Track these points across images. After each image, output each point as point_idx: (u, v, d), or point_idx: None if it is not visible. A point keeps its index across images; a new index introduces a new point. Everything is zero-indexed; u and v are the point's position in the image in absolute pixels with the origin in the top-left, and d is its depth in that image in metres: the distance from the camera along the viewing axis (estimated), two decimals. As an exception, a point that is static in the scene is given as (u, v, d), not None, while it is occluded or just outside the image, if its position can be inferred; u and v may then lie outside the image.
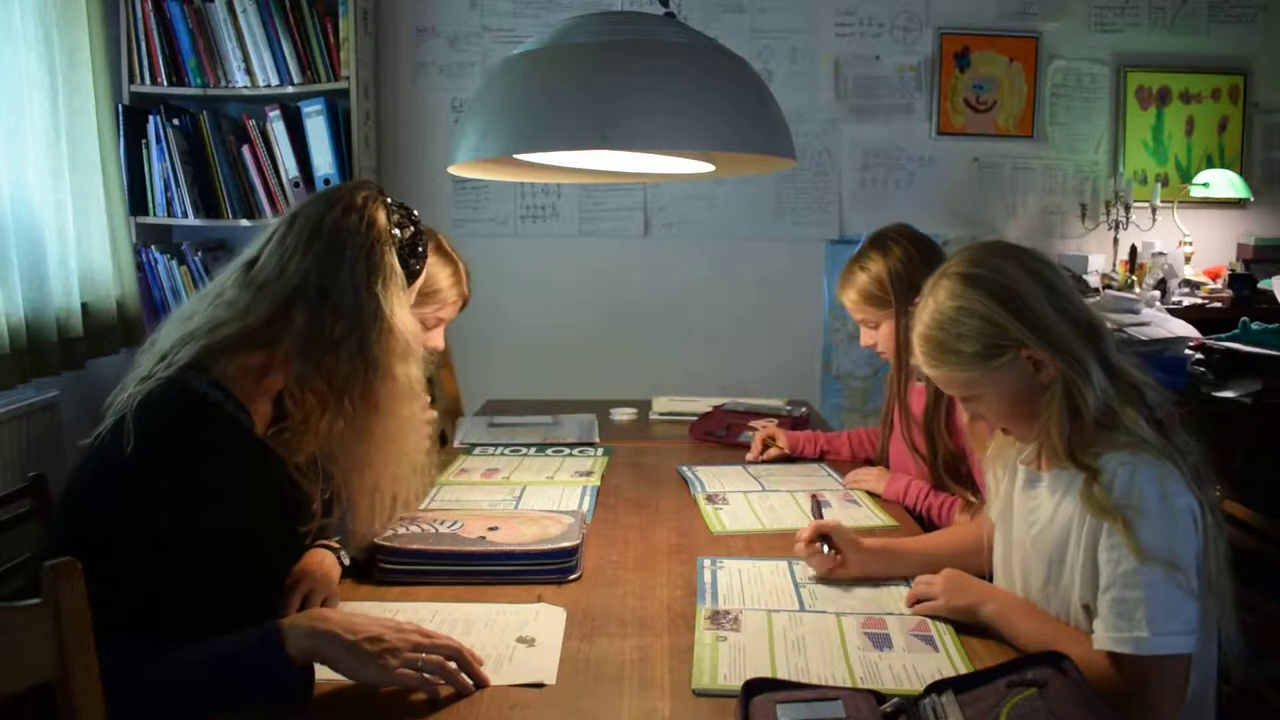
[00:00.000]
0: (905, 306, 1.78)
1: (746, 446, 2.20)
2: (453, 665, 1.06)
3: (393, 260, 1.23)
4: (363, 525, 1.28)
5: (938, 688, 1.01)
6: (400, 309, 1.23)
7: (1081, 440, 1.19)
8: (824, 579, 1.41)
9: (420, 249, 1.31)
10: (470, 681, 1.06)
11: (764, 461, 2.12)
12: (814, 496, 1.76)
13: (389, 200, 1.28)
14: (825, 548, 1.41)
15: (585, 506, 1.73)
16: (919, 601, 1.29)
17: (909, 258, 1.83)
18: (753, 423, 2.31)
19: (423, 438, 1.31)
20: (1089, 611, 1.18)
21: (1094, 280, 3.46)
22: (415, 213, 1.33)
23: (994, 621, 1.23)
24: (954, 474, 1.77)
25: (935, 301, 1.25)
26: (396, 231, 1.26)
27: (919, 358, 1.28)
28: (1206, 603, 1.16)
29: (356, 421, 1.20)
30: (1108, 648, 1.12)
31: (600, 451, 2.18)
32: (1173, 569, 1.10)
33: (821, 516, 1.61)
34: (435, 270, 1.84)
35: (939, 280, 1.27)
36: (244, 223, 3.20)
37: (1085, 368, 1.18)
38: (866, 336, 1.94)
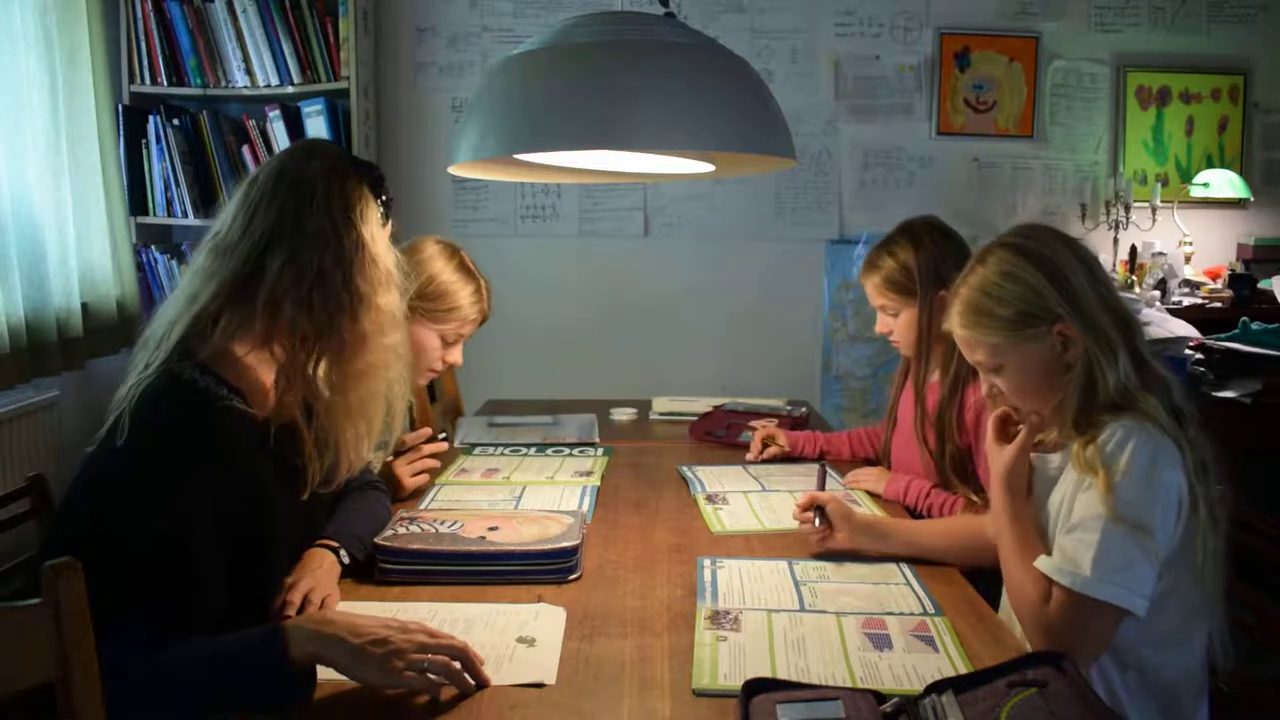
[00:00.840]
0: (930, 299, 1.79)
1: (746, 446, 2.20)
2: (457, 665, 1.05)
3: (364, 189, 1.23)
4: (350, 460, 1.27)
5: (938, 688, 1.01)
6: (380, 236, 1.24)
7: (1089, 417, 1.21)
8: (820, 555, 1.49)
9: (386, 187, 1.30)
10: (473, 682, 1.06)
11: (764, 461, 2.12)
12: (822, 466, 1.74)
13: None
14: (817, 520, 1.48)
15: (585, 506, 1.73)
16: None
17: (940, 251, 1.83)
18: (753, 423, 2.31)
19: (404, 366, 1.30)
20: None
21: (1094, 280, 3.46)
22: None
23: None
24: (960, 472, 1.77)
25: (983, 267, 1.30)
26: (361, 167, 1.26)
27: (954, 320, 1.32)
28: (1191, 592, 1.18)
29: (344, 356, 1.20)
30: (1047, 572, 1.16)
31: (600, 451, 2.18)
32: (1138, 532, 1.13)
33: (824, 487, 1.63)
34: (457, 287, 1.87)
35: (990, 249, 1.31)
36: (244, 223, 3.19)
37: (1114, 350, 1.22)
38: (883, 324, 1.93)
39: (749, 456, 2.14)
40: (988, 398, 1.38)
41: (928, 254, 1.83)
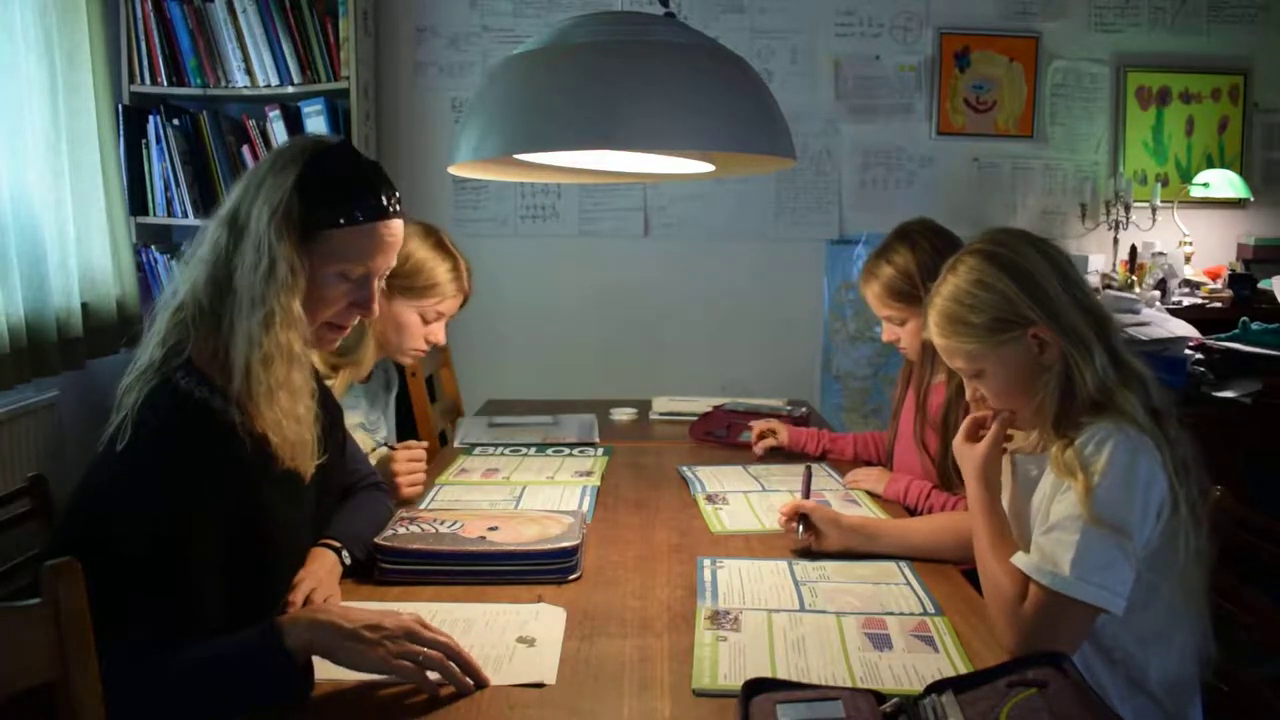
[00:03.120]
0: None
1: (747, 446, 2.20)
2: (453, 665, 1.06)
3: (288, 186, 1.16)
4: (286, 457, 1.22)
5: (938, 688, 1.01)
6: (286, 237, 1.15)
7: (1070, 418, 1.22)
8: (805, 553, 1.50)
9: (334, 198, 1.19)
10: (470, 681, 1.06)
11: (764, 460, 2.12)
12: (807, 469, 1.69)
13: (343, 148, 1.24)
14: (800, 529, 1.50)
15: (585, 506, 1.74)
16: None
17: (938, 252, 1.79)
18: (752, 422, 2.31)
19: (306, 371, 1.23)
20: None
21: (1094, 280, 3.46)
22: (364, 164, 1.24)
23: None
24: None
25: (955, 276, 1.31)
26: (311, 167, 1.18)
27: (931, 329, 1.33)
28: (1174, 591, 1.19)
29: (251, 353, 1.14)
30: (1025, 570, 1.17)
31: (600, 451, 2.18)
32: (1118, 534, 1.13)
33: (809, 492, 1.64)
34: (434, 265, 1.86)
35: (961, 257, 1.32)
36: (244, 223, 3.19)
37: (1089, 349, 1.22)
38: (889, 333, 1.91)
39: (756, 450, 2.15)
40: (971, 402, 1.39)
41: (926, 256, 1.80)
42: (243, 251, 1.15)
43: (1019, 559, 1.19)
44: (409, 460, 1.77)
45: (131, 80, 3.16)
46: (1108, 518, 1.13)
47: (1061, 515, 1.17)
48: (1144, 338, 2.70)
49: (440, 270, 1.87)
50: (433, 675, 1.05)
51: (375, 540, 1.40)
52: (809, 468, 1.70)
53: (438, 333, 1.94)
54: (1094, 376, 1.21)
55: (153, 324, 1.18)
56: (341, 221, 1.20)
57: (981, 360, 1.29)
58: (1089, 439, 1.18)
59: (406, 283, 1.84)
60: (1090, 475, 1.15)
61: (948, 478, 1.78)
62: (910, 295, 1.82)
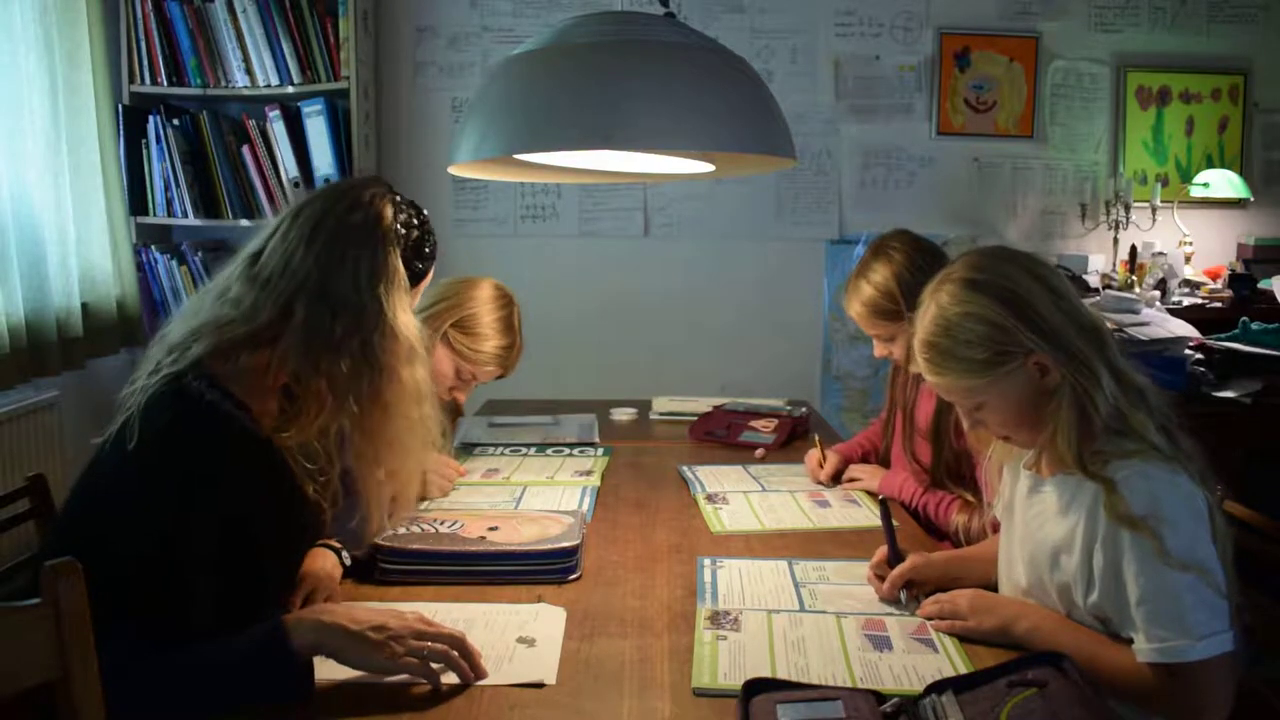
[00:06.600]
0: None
1: (747, 446, 2.19)
2: (456, 655, 1.07)
3: (396, 262, 1.21)
4: (371, 523, 1.27)
5: (938, 688, 1.01)
6: (403, 312, 1.21)
7: (1090, 447, 1.17)
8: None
9: (427, 249, 1.29)
10: (472, 674, 1.07)
11: (763, 461, 2.12)
12: (883, 504, 1.49)
13: (398, 198, 1.26)
14: (903, 596, 1.32)
15: (585, 506, 1.74)
16: (938, 619, 1.25)
17: (914, 263, 1.77)
18: (753, 423, 2.31)
19: (429, 440, 1.29)
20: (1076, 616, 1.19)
21: (1094, 280, 3.46)
22: (424, 211, 1.31)
23: (1029, 640, 1.18)
24: (954, 475, 1.76)
25: (938, 307, 1.23)
26: (402, 230, 1.23)
27: (921, 365, 1.26)
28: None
29: (365, 423, 1.20)
30: (1153, 660, 1.10)
31: (600, 451, 2.18)
32: (1202, 571, 1.09)
33: (894, 534, 1.40)
34: (490, 333, 1.91)
35: (941, 285, 1.25)
36: (244, 223, 3.20)
37: (1095, 372, 1.17)
38: (880, 349, 1.87)
39: (757, 454, 2.14)
40: (969, 432, 1.33)
41: (904, 269, 1.76)
42: (360, 325, 1.17)
43: (1145, 655, 1.11)
44: (445, 465, 1.82)
45: (131, 80, 3.16)
46: (1189, 561, 1.09)
47: (1146, 585, 1.11)
48: (1144, 338, 2.70)
49: (493, 343, 1.91)
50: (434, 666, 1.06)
51: (376, 540, 1.40)
52: (885, 503, 1.50)
53: (462, 395, 1.99)
54: (1105, 403, 1.16)
55: (188, 347, 1.16)
56: (428, 277, 1.31)
57: (980, 394, 1.22)
58: (1131, 487, 1.12)
59: (460, 337, 1.89)
60: (1155, 527, 1.09)
61: (939, 482, 1.78)
62: (893, 312, 1.77)
